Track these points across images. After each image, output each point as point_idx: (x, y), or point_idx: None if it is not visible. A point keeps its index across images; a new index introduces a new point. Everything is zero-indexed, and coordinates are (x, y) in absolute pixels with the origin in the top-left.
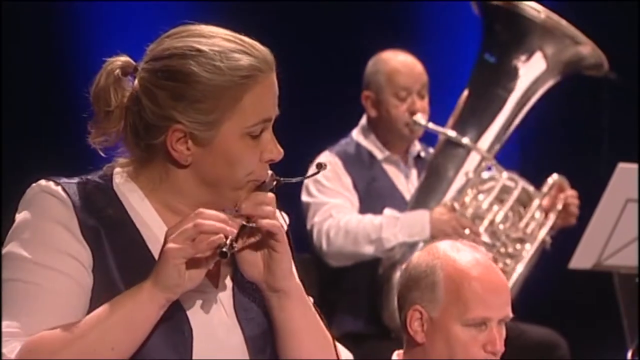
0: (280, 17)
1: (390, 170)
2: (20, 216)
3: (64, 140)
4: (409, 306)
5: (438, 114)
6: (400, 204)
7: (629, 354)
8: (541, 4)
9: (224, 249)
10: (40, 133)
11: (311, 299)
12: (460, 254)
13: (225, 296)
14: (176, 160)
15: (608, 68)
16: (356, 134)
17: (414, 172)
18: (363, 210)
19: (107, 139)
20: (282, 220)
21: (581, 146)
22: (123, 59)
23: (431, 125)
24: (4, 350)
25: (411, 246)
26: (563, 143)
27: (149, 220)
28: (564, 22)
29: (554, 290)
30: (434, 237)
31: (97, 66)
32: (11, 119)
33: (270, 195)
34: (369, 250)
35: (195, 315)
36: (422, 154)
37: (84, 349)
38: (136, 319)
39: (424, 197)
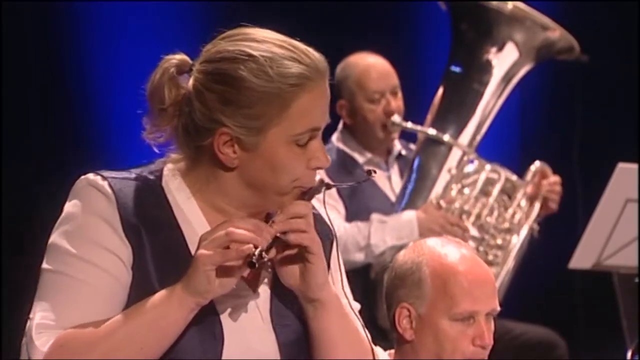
0: (276, 17)
1: None
2: (67, 207)
3: (62, 140)
4: (397, 304)
5: (418, 112)
6: (385, 206)
7: (629, 354)
8: (531, 5)
9: (253, 260)
10: (39, 133)
11: (357, 306)
12: (445, 250)
13: (263, 301)
14: (223, 163)
15: (579, 51)
16: (336, 140)
17: (396, 172)
18: (349, 216)
19: (161, 135)
20: (329, 222)
21: (555, 136)
22: (179, 57)
23: (410, 125)
24: (38, 341)
25: (401, 248)
26: (540, 132)
27: (194, 220)
28: (531, 10)
29: (554, 290)
30: (423, 237)
31: (96, 66)
32: (11, 119)
33: (307, 204)
34: (359, 257)
35: (228, 319)
36: (403, 152)
37: (113, 347)
38: (165, 321)
39: (411, 198)
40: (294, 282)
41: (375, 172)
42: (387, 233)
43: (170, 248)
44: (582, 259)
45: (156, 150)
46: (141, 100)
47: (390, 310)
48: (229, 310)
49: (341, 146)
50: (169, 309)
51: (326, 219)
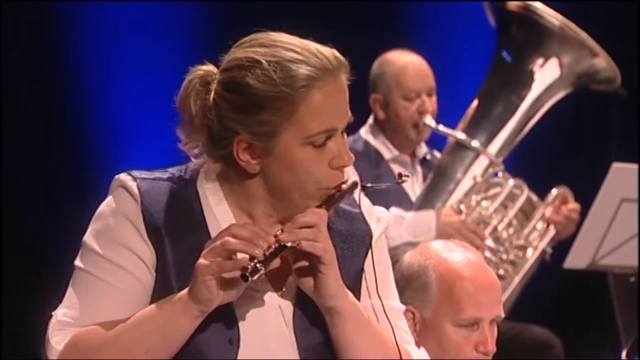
0: (277, 17)
1: (397, 169)
2: (101, 205)
3: (61, 140)
4: None
5: (438, 115)
6: (406, 204)
7: (624, 354)
8: (547, 4)
9: (246, 273)
10: (37, 133)
11: (401, 307)
12: (452, 254)
13: (287, 303)
14: (245, 169)
15: (620, 85)
16: (365, 133)
17: (420, 174)
18: None
19: (197, 145)
20: (375, 217)
21: (588, 154)
22: (205, 68)
23: (441, 128)
24: (55, 339)
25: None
26: (568, 152)
27: (224, 224)
28: (582, 32)
29: (549, 290)
30: (439, 237)
31: (95, 66)
32: (10, 119)
33: (318, 213)
34: None
35: (247, 322)
36: (428, 157)
37: (120, 349)
38: (170, 326)
39: (431, 197)
40: (309, 290)
41: (408, 176)
42: (404, 228)
43: (194, 252)
44: (577, 258)
45: (193, 160)
46: (140, 99)
47: None
48: (248, 313)
49: (370, 139)
50: (173, 314)
51: (367, 218)
